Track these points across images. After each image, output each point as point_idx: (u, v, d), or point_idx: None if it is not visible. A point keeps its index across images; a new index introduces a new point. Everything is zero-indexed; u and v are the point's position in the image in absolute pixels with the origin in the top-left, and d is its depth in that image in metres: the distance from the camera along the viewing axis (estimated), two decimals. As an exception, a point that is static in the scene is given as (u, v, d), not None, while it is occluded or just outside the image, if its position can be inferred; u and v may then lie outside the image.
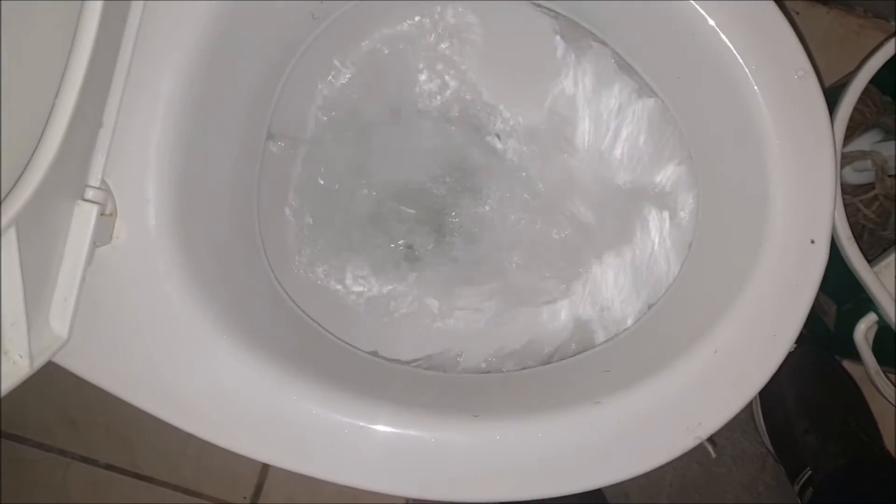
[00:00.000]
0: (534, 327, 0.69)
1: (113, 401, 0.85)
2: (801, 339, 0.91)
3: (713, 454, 0.55)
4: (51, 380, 0.92)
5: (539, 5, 0.65)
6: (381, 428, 0.52)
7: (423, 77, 0.73)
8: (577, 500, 0.85)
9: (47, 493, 0.94)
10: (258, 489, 0.94)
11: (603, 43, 0.64)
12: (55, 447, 0.94)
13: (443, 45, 0.72)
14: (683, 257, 0.61)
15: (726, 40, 0.54)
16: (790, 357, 0.89)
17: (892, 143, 0.78)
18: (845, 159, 0.80)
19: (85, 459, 0.94)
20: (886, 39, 0.73)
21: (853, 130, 0.83)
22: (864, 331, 0.73)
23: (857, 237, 0.76)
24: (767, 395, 0.92)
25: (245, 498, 0.94)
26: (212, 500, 0.94)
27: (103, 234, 0.50)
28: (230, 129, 0.59)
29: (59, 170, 0.43)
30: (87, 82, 0.44)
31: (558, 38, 0.67)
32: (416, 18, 0.71)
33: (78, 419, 0.94)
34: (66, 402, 0.94)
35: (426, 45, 0.72)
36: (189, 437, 0.92)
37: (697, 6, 0.54)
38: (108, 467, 0.94)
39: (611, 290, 0.68)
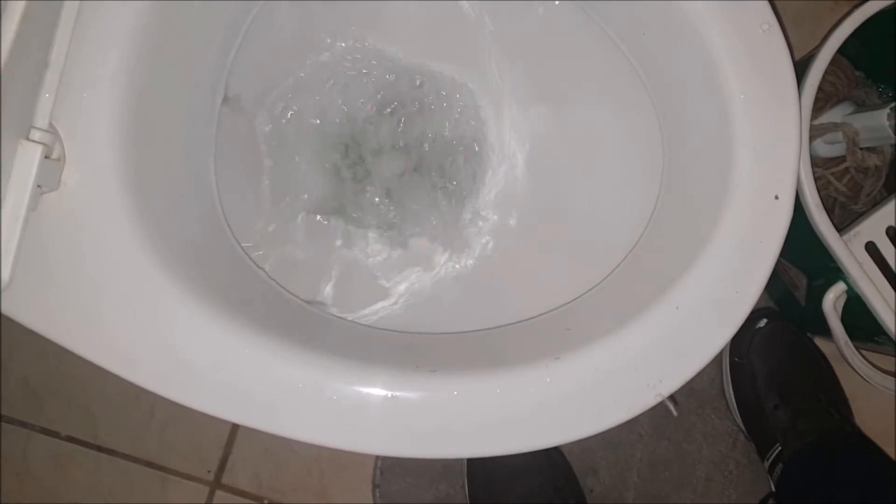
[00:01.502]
0: (497, 288, 0.68)
1: (76, 372, 0.85)
2: (773, 315, 0.92)
3: (674, 412, 0.54)
4: (11, 350, 0.92)
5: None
6: (336, 384, 0.51)
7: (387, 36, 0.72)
8: (545, 473, 0.85)
9: (7, 465, 0.92)
10: (222, 463, 0.93)
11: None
12: (15, 419, 0.93)
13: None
14: (648, 214, 0.61)
15: (690, -8, 0.53)
16: (761, 333, 0.90)
17: (864, 115, 0.78)
18: (817, 131, 0.80)
19: (46, 431, 0.93)
20: (855, 7, 0.72)
21: (825, 103, 0.82)
22: (832, 300, 0.73)
23: (829, 210, 0.75)
24: (738, 371, 0.92)
25: (209, 472, 0.93)
26: (175, 474, 0.93)
27: (50, 178, 0.48)
28: (185, 80, 0.58)
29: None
30: (30, 14, 0.42)
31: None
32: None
33: (39, 390, 0.93)
34: (28, 374, 0.92)
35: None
36: (153, 410, 0.92)
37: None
38: (70, 440, 0.93)
39: (572, 248, 0.67)
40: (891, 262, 0.71)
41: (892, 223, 0.72)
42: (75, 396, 0.92)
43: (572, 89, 0.70)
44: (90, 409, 0.92)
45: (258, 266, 0.59)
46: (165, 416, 0.92)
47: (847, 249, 0.70)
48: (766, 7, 0.54)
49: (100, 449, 0.92)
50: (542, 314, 0.60)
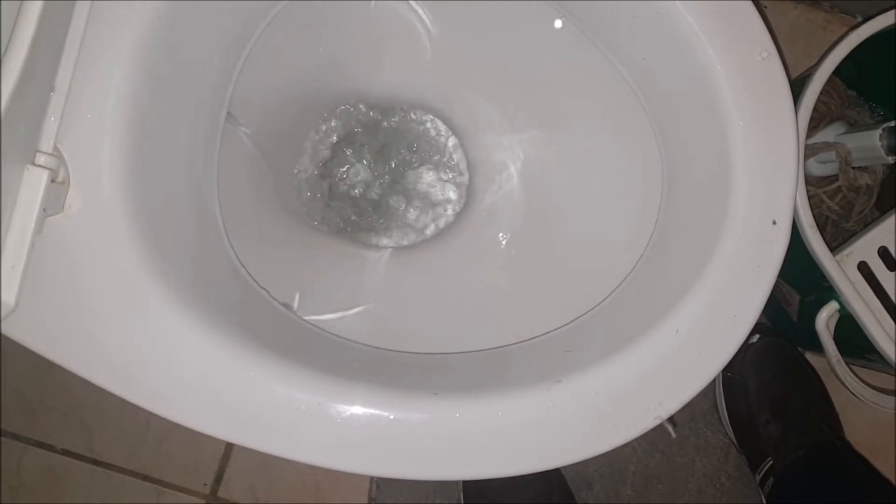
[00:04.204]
0: (497, 308, 0.69)
1: (71, 385, 0.84)
2: (765, 330, 0.93)
3: (673, 434, 0.55)
4: (7, 363, 0.91)
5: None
6: (338, 405, 0.51)
7: (389, 60, 0.73)
8: (540, 487, 0.86)
9: (2, 478, 0.91)
10: (219, 476, 0.93)
11: (566, 18, 0.64)
12: (10, 432, 0.92)
13: (419, 27, 0.72)
14: (647, 237, 0.61)
15: (691, 19, 0.54)
16: (753, 348, 0.91)
17: (856, 135, 0.79)
18: (810, 151, 0.81)
19: (41, 445, 0.92)
20: (850, 30, 0.73)
21: (818, 122, 0.84)
22: (825, 319, 0.74)
23: (821, 229, 0.76)
24: (731, 385, 0.92)
25: (205, 485, 0.93)
26: (171, 487, 0.92)
27: (55, 202, 0.48)
28: (188, 103, 0.58)
29: (7, 131, 0.42)
30: (38, 40, 0.42)
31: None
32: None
33: (35, 403, 0.92)
34: (23, 386, 0.92)
35: (399, 28, 0.72)
36: (148, 423, 0.92)
37: (661, -17, 0.54)
38: (65, 453, 0.92)
39: (573, 270, 0.68)
40: (882, 282, 0.72)
41: (884, 243, 0.73)
42: (71, 409, 0.92)
43: (571, 113, 0.71)
44: (86, 422, 0.92)
45: (260, 286, 0.60)
46: (161, 429, 0.92)
47: (840, 269, 0.71)
48: (766, 35, 0.54)
49: (95, 462, 0.92)
50: (541, 335, 0.61)
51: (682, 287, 0.54)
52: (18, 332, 0.49)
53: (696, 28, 0.54)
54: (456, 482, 0.90)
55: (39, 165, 0.46)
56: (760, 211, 0.54)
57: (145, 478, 0.92)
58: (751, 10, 0.55)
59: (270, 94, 0.69)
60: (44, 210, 0.47)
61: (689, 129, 0.59)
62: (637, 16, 0.57)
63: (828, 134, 0.83)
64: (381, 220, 0.76)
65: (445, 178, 0.76)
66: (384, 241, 0.76)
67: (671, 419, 0.54)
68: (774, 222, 0.54)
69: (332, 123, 0.75)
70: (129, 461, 0.92)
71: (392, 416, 0.51)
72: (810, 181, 0.84)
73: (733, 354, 0.54)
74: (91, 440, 0.92)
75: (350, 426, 0.51)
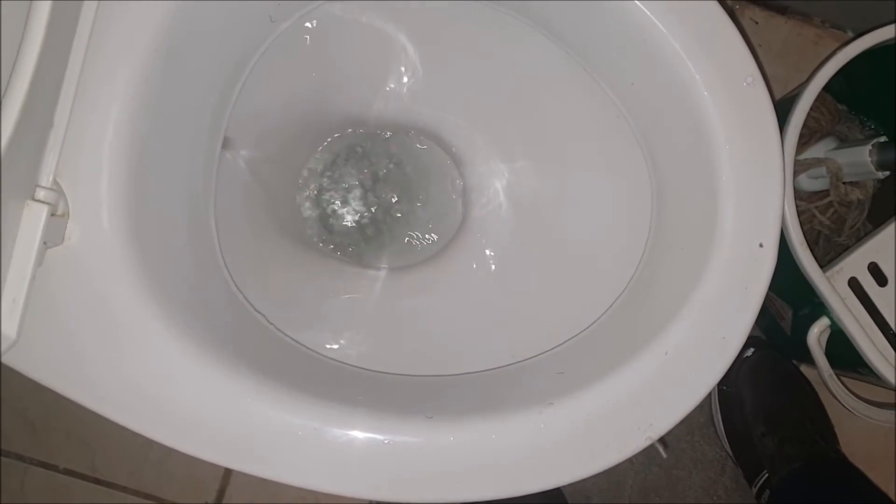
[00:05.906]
0: (490, 331, 0.70)
1: (73, 405, 0.85)
2: (760, 344, 0.94)
3: (664, 454, 0.56)
4: (9, 384, 0.92)
5: (490, 6, 0.66)
6: (335, 430, 0.52)
7: (382, 85, 0.74)
8: (538, 502, 0.86)
9: (5, 498, 0.92)
10: (220, 494, 0.93)
11: (556, 43, 0.65)
12: (13, 452, 0.93)
13: (411, 51, 0.73)
14: (637, 260, 0.62)
15: (677, 46, 0.55)
16: (748, 361, 0.92)
17: (846, 150, 0.79)
18: (801, 166, 0.82)
19: (44, 465, 0.93)
20: (840, 48, 0.74)
21: (809, 138, 0.84)
22: (816, 335, 0.74)
23: (813, 244, 0.77)
24: (726, 399, 0.93)
25: (207, 503, 0.93)
26: (173, 506, 0.93)
27: (55, 234, 0.49)
28: (185, 132, 0.59)
29: (7, 169, 0.43)
30: (37, 80, 0.43)
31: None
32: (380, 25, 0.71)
33: (37, 424, 0.93)
34: (25, 407, 0.93)
35: (391, 52, 0.73)
36: (150, 442, 0.91)
37: (647, 11, 0.54)
38: (68, 472, 0.93)
39: (565, 292, 0.69)
40: (873, 298, 0.73)
41: (875, 259, 0.74)
42: (73, 429, 0.93)
43: (562, 137, 0.72)
44: (88, 441, 0.93)
45: (257, 311, 0.61)
46: (163, 447, 0.91)
47: (830, 286, 0.72)
48: (751, 61, 0.55)
49: (98, 481, 0.93)
50: (534, 357, 0.62)
51: (671, 310, 0.55)
52: (19, 363, 0.50)
53: (682, 54, 0.55)
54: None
55: (39, 200, 0.47)
56: (747, 234, 0.55)
57: (147, 496, 0.93)
58: (735, 36, 0.55)
59: (267, 120, 0.70)
60: (44, 243, 0.48)
61: (676, 153, 0.60)
62: (625, 42, 0.58)
63: (819, 149, 0.84)
64: (378, 242, 0.77)
65: (440, 201, 0.77)
66: (380, 263, 0.77)
67: (662, 440, 0.55)
68: (761, 245, 0.55)
69: (329, 148, 0.76)
70: (131, 480, 0.93)
71: (387, 441, 0.52)
72: (802, 196, 0.85)
73: (721, 376, 0.55)
74: (93, 459, 0.93)
75: (346, 451, 0.52)
